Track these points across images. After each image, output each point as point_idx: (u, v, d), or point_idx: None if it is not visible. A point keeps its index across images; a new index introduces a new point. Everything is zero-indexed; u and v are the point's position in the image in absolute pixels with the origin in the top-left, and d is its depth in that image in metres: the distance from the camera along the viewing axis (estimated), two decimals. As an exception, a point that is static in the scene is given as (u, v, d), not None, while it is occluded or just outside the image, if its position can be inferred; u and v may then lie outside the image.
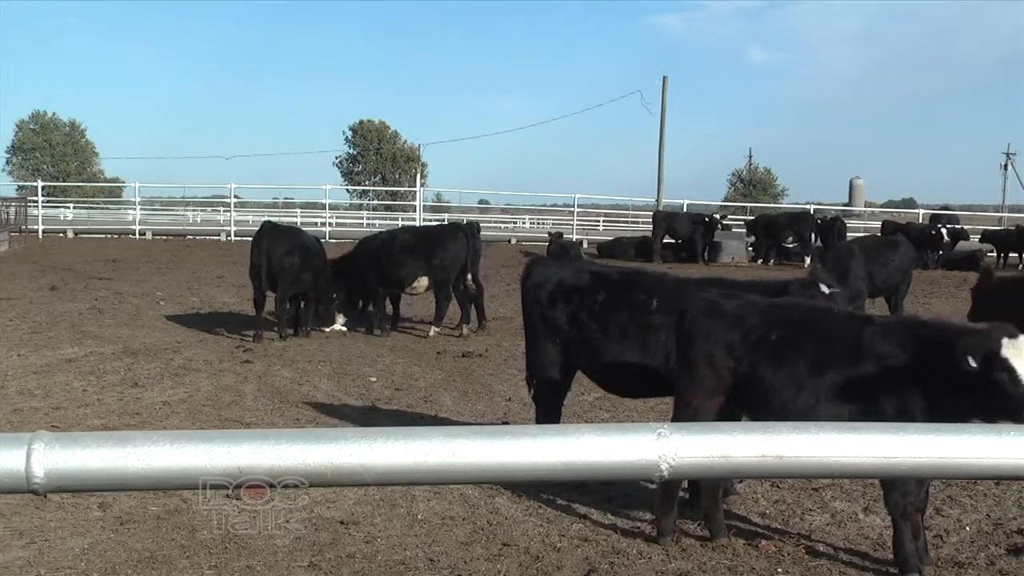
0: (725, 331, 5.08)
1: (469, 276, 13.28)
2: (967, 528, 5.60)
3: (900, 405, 4.59)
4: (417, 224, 24.67)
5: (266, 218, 19.84)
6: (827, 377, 4.79)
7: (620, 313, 6.38)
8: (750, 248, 27.16)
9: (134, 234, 31.40)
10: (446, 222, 22.47)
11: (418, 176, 49.86)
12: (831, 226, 26.17)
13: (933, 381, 4.55)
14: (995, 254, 26.53)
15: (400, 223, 31.18)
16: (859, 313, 5.86)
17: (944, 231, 26.29)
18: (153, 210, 46.55)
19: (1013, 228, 28.46)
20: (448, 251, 12.84)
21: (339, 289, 12.78)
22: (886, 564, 5.01)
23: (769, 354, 4.94)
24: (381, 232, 15.77)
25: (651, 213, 30.29)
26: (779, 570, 4.95)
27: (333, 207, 41.30)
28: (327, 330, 12.67)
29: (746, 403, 5.08)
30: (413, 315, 14.32)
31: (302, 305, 12.57)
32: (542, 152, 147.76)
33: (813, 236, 26.01)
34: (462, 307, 12.99)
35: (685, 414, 5.14)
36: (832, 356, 4.84)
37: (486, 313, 13.40)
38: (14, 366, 9.64)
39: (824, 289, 6.18)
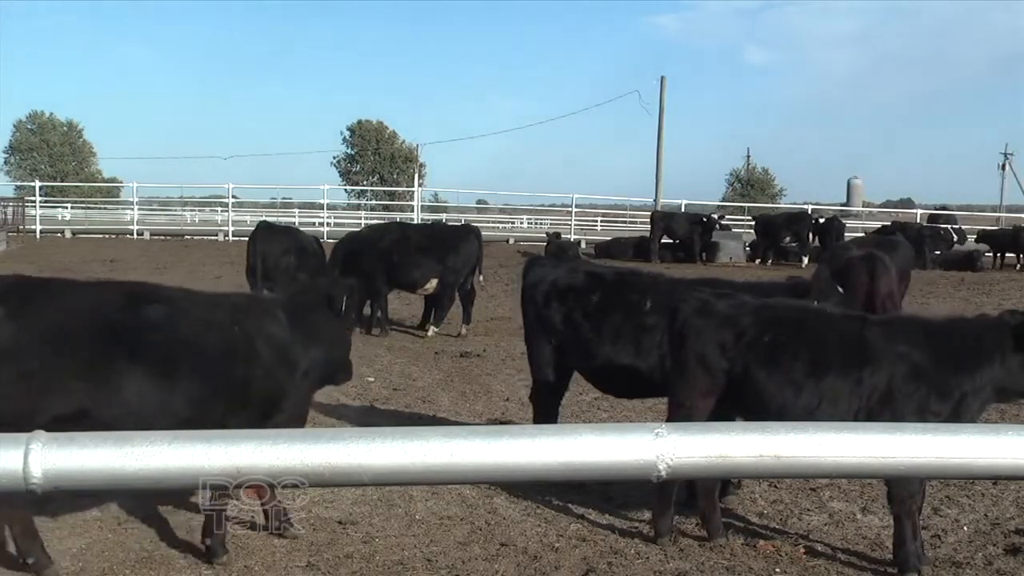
0: (717, 331, 5.07)
1: (481, 276, 13.36)
2: (965, 528, 5.61)
3: (921, 404, 4.62)
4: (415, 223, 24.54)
5: (263, 218, 19.83)
6: (830, 379, 4.79)
7: (614, 313, 6.38)
8: (747, 248, 27.16)
9: (132, 234, 31.35)
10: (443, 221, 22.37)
11: (416, 176, 49.87)
12: (829, 226, 26.18)
13: (958, 374, 4.65)
14: (992, 254, 26.57)
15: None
16: (855, 313, 5.86)
17: (953, 231, 26.37)
18: (151, 210, 46.47)
19: (1010, 228, 28.52)
20: (461, 253, 12.84)
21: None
22: (884, 564, 5.01)
23: (765, 355, 4.93)
24: (363, 231, 15.59)
25: (649, 213, 30.31)
26: (777, 570, 4.96)
27: (331, 207, 41.25)
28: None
29: (742, 405, 5.06)
30: (409, 316, 14.31)
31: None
32: (540, 152, 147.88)
33: (811, 236, 26.01)
34: (464, 307, 12.99)
35: (678, 414, 5.13)
36: (835, 358, 4.84)
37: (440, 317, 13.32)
38: (11, 366, 9.61)
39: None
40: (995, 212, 50.68)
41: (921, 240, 23.36)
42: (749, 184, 74.66)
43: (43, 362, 4.26)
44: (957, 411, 4.61)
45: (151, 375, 4.42)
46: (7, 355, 4.21)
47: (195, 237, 32.45)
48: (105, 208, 51.10)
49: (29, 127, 74.11)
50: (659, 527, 5.27)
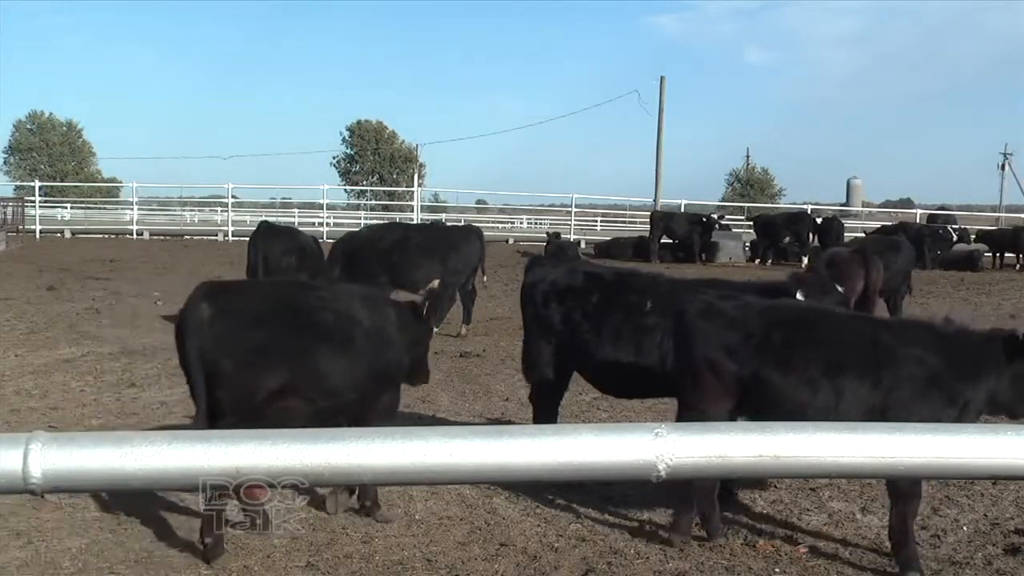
0: (723, 333, 5.05)
1: (484, 276, 13.40)
2: (964, 528, 5.61)
3: (933, 409, 4.62)
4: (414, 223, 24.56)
5: (263, 218, 19.82)
6: (840, 383, 4.77)
7: (614, 314, 6.37)
8: (747, 248, 27.16)
9: (131, 234, 31.35)
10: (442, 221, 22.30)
11: (416, 176, 49.85)
12: (828, 226, 26.18)
13: (963, 381, 4.67)
14: (991, 254, 26.58)
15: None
16: (866, 316, 5.88)
17: (952, 231, 26.40)
18: (150, 210, 46.41)
19: (1009, 228, 28.52)
20: (462, 253, 12.81)
21: None
22: (884, 564, 5.01)
23: (777, 359, 4.90)
24: (363, 231, 15.54)
25: (648, 213, 30.30)
26: (776, 570, 4.95)
27: (331, 207, 41.23)
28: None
29: (748, 407, 5.03)
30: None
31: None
32: (539, 152, 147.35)
33: (811, 236, 26.01)
34: (465, 307, 12.97)
35: (686, 418, 5.11)
36: (849, 361, 4.82)
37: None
38: (11, 366, 9.62)
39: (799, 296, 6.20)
40: (995, 212, 50.68)
41: (921, 240, 23.37)
42: (749, 184, 74.56)
43: (253, 347, 4.97)
44: (960, 419, 4.62)
45: (336, 355, 5.18)
46: (225, 345, 4.91)
47: (195, 237, 32.43)
48: (105, 208, 51.02)
49: (29, 127, 74.01)
50: (708, 529, 5.29)
